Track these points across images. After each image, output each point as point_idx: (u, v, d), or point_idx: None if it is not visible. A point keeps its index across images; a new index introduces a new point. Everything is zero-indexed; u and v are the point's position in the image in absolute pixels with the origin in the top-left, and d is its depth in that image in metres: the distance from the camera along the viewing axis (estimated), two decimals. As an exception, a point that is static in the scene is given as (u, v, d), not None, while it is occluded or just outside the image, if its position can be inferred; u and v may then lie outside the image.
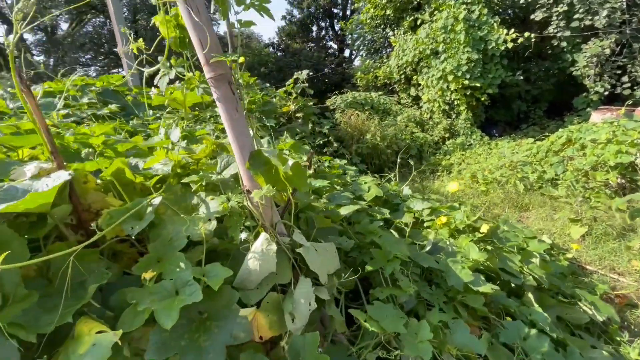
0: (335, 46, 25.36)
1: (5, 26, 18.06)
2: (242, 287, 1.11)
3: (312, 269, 1.12)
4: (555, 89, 8.36)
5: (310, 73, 5.43)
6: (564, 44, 7.15)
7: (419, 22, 8.12)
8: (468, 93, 7.16)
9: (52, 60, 17.44)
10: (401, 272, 1.56)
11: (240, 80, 1.13)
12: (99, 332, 0.81)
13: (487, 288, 1.64)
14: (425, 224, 2.41)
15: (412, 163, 5.07)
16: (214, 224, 1.10)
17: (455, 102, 7.47)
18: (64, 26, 17.91)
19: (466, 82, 6.91)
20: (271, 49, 22.87)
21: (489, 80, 7.05)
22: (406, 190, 3.17)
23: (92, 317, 0.86)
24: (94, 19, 16.57)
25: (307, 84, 5.60)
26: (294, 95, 5.31)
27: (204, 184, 1.22)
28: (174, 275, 0.96)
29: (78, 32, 15.71)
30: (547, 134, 5.70)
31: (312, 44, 26.72)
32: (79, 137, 1.45)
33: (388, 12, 8.92)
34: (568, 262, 2.67)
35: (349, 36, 11.36)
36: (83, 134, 1.59)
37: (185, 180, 1.22)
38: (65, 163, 1.10)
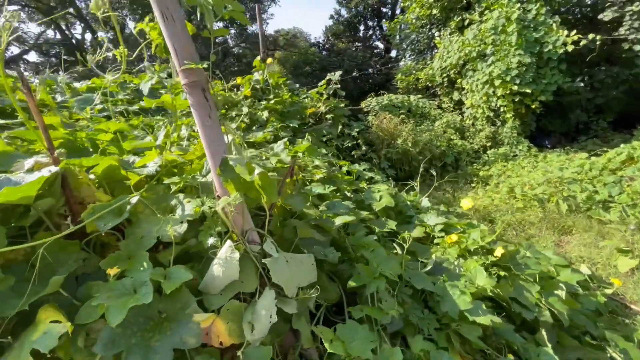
0: (381, 46, 24.88)
1: (82, 25, 20.26)
2: (206, 291, 1.12)
3: (275, 280, 1.09)
4: (625, 98, 7.38)
5: (354, 73, 5.37)
6: (638, 47, 6.27)
7: (466, 22, 7.64)
8: (517, 99, 6.59)
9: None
10: (388, 292, 1.48)
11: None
12: (54, 321, 0.87)
13: (486, 319, 1.49)
14: (435, 241, 2.26)
15: (434, 173, 4.79)
16: (184, 226, 1.12)
17: (502, 109, 6.92)
18: (132, 24, 19.64)
19: (515, 87, 6.36)
20: (317, 49, 23.07)
21: (543, 86, 6.42)
22: (425, 201, 3.01)
23: (53, 305, 0.92)
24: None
25: (339, 85, 5.55)
26: (325, 96, 5.30)
27: (183, 186, 1.26)
28: (136, 274, 1.00)
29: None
30: (605, 149, 5.05)
31: (359, 44, 26.49)
32: (91, 134, 1.57)
33: (434, 11, 8.52)
34: (606, 299, 2.34)
35: (394, 36, 11.03)
36: (99, 130, 1.72)
37: (167, 181, 1.27)
38: (63, 158, 1.20)
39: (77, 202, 1.24)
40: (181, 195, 1.23)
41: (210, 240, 1.13)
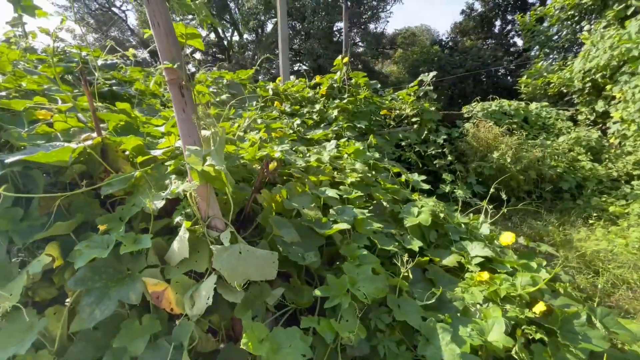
0: (520, 43, 21.37)
1: (232, 28, 24.16)
2: (168, 262, 1.29)
3: (216, 267, 1.17)
4: None
5: (482, 75, 4.89)
6: None
7: (630, 11, 5.84)
8: (698, 116, 4.73)
9: (255, 55, 22.34)
10: (353, 312, 1.35)
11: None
12: (48, 254, 1.17)
13: (471, 382, 1.22)
14: (466, 275, 1.90)
15: (538, 197, 3.90)
16: (162, 202, 1.31)
17: (670, 128, 5.08)
18: (270, 26, 22.49)
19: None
20: (439, 47, 21.50)
21: None
22: (485, 228, 2.54)
23: (56, 243, 1.23)
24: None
25: (431, 87, 5.13)
26: (412, 98, 4.97)
27: (176, 169, 1.45)
28: (114, 234, 1.24)
29: (275, 31, 19.36)
30: None
31: (491, 41, 23.46)
32: (146, 119, 1.96)
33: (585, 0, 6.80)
34: None
35: (526, 32, 9.30)
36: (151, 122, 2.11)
37: (167, 163, 1.49)
38: (100, 136, 1.55)
39: (115, 170, 1.58)
40: (173, 177, 1.43)
41: (177, 219, 1.29)
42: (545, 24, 9.15)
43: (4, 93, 1.70)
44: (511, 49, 22.04)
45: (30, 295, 1.27)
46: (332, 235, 1.82)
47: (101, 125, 1.63)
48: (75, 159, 1.39)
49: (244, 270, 1.23)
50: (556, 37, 9.02)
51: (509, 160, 4.71)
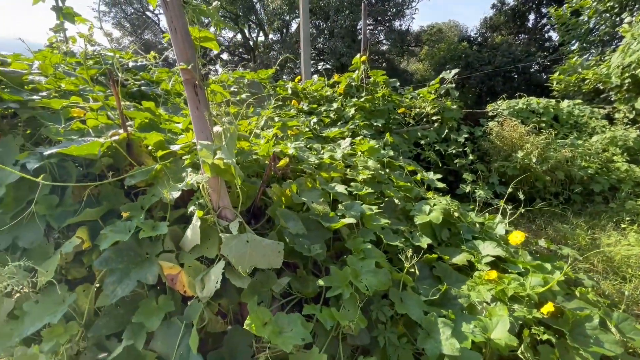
0: (556, 37, 20.23)
1: (257, 29, 24.65)
2: (182, 248, 1.40)
3: (224, 254, 1.26)
4: None
5: (508, 71, 4.77)
6: None
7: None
8: None
9: (280, 55, 22.65)
10: (354, 303, 1.40)
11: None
12: (78, 237, 1.31)
13: (469, 376, 1.23)
14: (475, 273, 1.88)
15: (563, 199, 3.73)
16: (178, 193, 1.42)
17: None
18: (294, 26, 22.72)
19: None
20: (467, 43, 20.77)
21: None
22: (501, 228, 2.49)
23: (86, 227, 1.37)
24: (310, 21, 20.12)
25: (453, 85, 5.02)
26: (432, 96, 4.89)
27: (192, 163, 1.56)
28: (135, 220, 1.36)
29: (297, 32, 19.56)
30: None
31: (524, 36, 22.40)
32: (169, 117, 2.10)
33: (628, -11, 6.36)
34: None
35: (561, 26, 8.79)
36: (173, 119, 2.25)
37: (184, 157, 1.60)
38: (125, 132, 1.68)
39: (139, 164, 1.72)
40: (189, 170, 1.54)
41: (191, 208, 1.39)
42: (585, 18, 8.64)
43: (45, 93, 1.88)
44: (546, 44, 20.95)
45: (63, 274, 1.42)
46: (340, 230, 1.88)
47: (128, 122, 1.77)
48: (103, 153, 1.53)
49: (251, 258, 1.32)
50: (595, 31, 8.51)
51: (534, 160, 4.53)
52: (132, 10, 24.49)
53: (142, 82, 3.11)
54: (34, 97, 1.73)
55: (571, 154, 4.77)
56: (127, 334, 1.23)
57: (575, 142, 5.04)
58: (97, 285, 1.35)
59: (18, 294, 1.39)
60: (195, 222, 1.31)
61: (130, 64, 3.31)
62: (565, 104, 6.16)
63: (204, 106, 1.30)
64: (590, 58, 7.60)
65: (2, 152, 1.42)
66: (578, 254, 2.75)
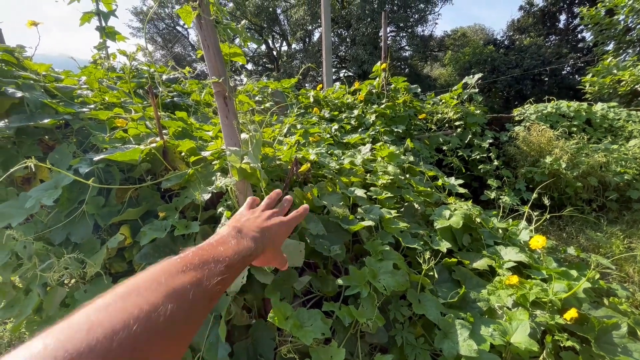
0: (590, 37, 19.34)
1: (281, 39, 25.29)
2: (211, 245, 1.51)
3: (249, 251, 1.35)
4: None
5: (538, 74, 4.72)
6: None
7: None
8: None
9: (302, 64, 23.10)
10: (372, 302, 1.45)
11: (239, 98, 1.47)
12: (122, 234, 1.46)
13: (487, 378, 1.25)
14: (496, 279, 1.87)
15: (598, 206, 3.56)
16: (208, 195, 1.54)
17: None
18: (316, 35, 23.14)
19: None
20: (494, 47, 20.25)
21: None
22: (525, 234, 2.44)
23: (128, 226, 1.52)
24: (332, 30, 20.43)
25: (477, 89, 4.96)
26: (455, 101, 4.84)
27: (220, 167, 1.68)
28: (171, 220, 1.49)
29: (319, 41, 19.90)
30: None
31: (555, 37, 21.56)
32: (200, 126, 2.26)
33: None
34: None
35: (594, 26, 8.42)
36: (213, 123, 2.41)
37: (214, 162, 1.73)
38: (161, 140, 1.84)
39: (172, 168, 1.88)
40: (219, 174, 1.66)
41: (220, 209, 1.51)
42: (621, 17, 8.24)
43: (92, 105, 2.10)
44: (578, 45, 20.03)
45: (107, 268, 1.57)
46: (359, 232, 1.94)
47: (163, 131, 1.94)
48: (143, 159, 1.69)
49: (274, 256, 1.40)
50: (632, 30, 8.09)
51: (564, 165, 4.37)
52: (164, 26, 25.93)
53: (175, 93, 3.34)
54: (84, 109, 1.94)
55: (605, 159, 4.56)
56: (162, 323, 1.35)
57: (610, 147, 4.80)
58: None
59: (69, 284, 1.56)
60: (224, 222, 1.42)
61: (164, 77, 3.56)
62: (599, 106, 5.89)
63: (232, 115, 1.42)
64: (627, 59, 7.22)
65: (58, 158, 1.60)
66: (610, 263, 2.64)
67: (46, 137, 1.88)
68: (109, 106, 2.30)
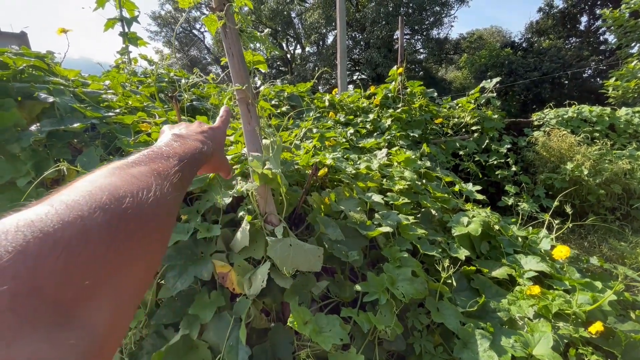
0: (613, 40, 18.74)
1: (295, 42, 25.49)
2: (232, 249, 1.54)
3: (270, 255, 1.37)
4: None
5: (558, 77, 4.64)
6: None
7: None
8: None
9: (316, 67, 23.21)
10: (391, 309, 1.44)
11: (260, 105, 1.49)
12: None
13: (508, 391, 1.22)
14: (516, 288, 1.83)
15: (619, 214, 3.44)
16: (229, 200, 1.57)
17: None
18: (330, 38, 23.23)
19: None
20: (511, 49, 19.85)
21: None
22: (546, 243, 2.38)
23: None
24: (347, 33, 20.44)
25: (495, 94, 4.88)
26: (472, 105, 4.78)
27: (241, 172, 1.71)
28: (192, 223, 1.53)
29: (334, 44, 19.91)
30: None
31: (576, 39, 20.98)
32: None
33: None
34: None
35: (617, 28, 8.15)
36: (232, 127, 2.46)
37: (235, 167, 1.76)
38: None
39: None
40: (239, 178, 1.69)
41: (240, 213, 1.53)
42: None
43: (117, 110, 2.17)
44: (600, 48, 19.43)
45: (131, 268, 1.62)
46: (376, 238, 1.93)
47: (185, 135, 1.99)
48: (166, 162, 1.74)
49: (293, 260, 1.42)
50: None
51: (585, 172, 4.24)
52: (181, 29, 26.51)
53: (194, 97, 3.42)
54: (110, 113, 2.01)
55: (629, 165, 4.40)
56: (183, 324, 1.38)
57: (635, 153, 4.64)
58: (159, 279, 1.52)
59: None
60: (245, 226, 1.45)
61: (183, 81, 3.64)
62: (623, 111, 5.70)
63: (255, 121, 1.45)
64: (653, 62, 6.97)
65: (86, 161, 1.66)
66: (636, 275, 2.54)
67: (74, 140, 1.96)
68: (132, 110, 2.37)
